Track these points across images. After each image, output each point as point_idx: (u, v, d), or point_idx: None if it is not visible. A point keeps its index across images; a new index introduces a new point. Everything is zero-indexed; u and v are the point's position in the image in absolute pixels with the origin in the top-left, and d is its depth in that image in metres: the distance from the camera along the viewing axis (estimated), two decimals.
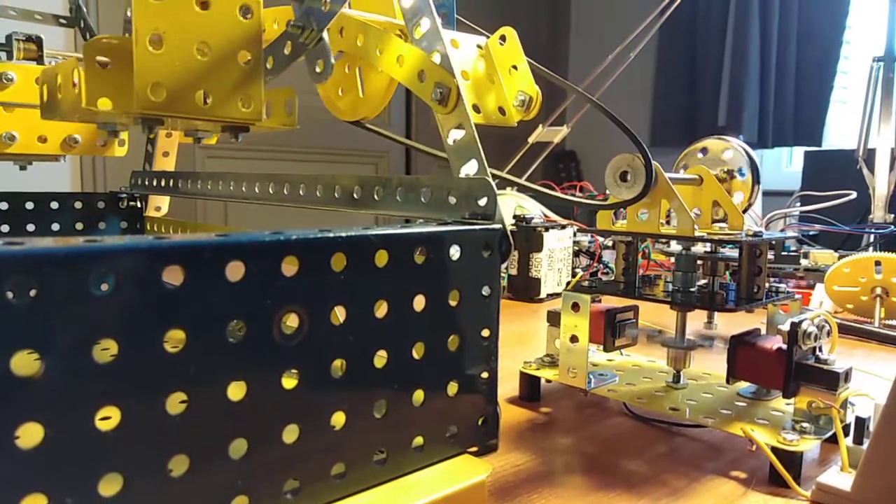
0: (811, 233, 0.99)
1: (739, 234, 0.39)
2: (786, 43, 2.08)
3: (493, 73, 0.35)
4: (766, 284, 0.40)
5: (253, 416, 0.20)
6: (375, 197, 0.32)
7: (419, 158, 2.31)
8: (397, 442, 0.25)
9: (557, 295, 0.80)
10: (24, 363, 0.16)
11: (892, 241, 0.87)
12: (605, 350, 0.43)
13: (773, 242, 0.80)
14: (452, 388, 0.26)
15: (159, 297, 0.18)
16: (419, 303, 0.25)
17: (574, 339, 0.40)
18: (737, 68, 2.12)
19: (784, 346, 0.35)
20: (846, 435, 0.34)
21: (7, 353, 0.16)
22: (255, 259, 0.20)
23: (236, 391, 0.20)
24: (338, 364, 0.23)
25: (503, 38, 0.35)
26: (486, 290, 0.27)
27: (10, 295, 0.16)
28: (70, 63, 0.32)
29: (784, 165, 2.27)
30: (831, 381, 0.34)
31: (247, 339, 0.20)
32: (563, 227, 0.83)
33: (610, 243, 0.88)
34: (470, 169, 0.29)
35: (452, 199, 0.28)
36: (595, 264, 0.89)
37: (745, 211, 0.42)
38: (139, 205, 0.63)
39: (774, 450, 0.33)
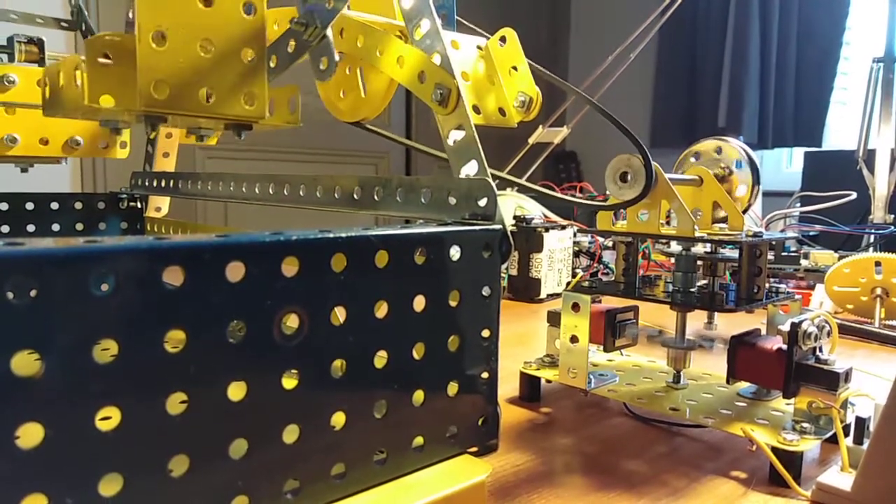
0: (811, 233, 0.99)
1: (739, 234, 0.39)
2: (786, 43, 2.08)
3: (493, 73, 0.35)
4: (766, 285, 0.40)
5: (253, 417, 0.20)
6: (375, 197, 0.32)
7: (419, 159, 2.31)
8: (397, 442, 0.25)
9: (557, 295, 0.80)
10: (25, 363, 0.16)
11: (892, 242, 0.87)
12: (606, 350, 0.43)
13: (773, 243, 0.80)
14: (452, 388, 0.26)
15: (159, 298, 0.18)
16: (419, 303, 0.25)
17: (574, 339, 0.40)
18: (737, 69, 2.12)
19: (784, 347, 0.35)
20: (846, 435, 0.34)
21: (7, 353, 0.16)
22: (256, 259, 0.20)
23: (236, 391, 0.20)
24: (338, 364, 0.23)
25: (503, 38, 0.35)
26: (486, 291, 0.27)
27: (10, 295, 0.16)
28: (73, 60, 0.32)
29: (784, 166, 2.27)
30: (831, 381, 0.34)
31: (247, 339, 0.20)
32: (564, 227, 0.83)
33: (610, 244, 0.88)
34: (470, 169, 0.29)
35: (452, 200, 0.28)
36: (595, 265, 0.89)
37: (744, 211, 0.42)
38: (139, 205, 0.63)
39: (774, 450, 0.33)
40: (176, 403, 0.19)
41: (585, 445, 0.37)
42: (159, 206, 0.64)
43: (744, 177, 0.43)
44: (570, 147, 2.50)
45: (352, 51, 0.34)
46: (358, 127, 0.41)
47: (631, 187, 0.37)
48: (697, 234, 0.38)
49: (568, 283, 0.42)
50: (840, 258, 0.75)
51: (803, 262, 0.82)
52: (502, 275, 0.68)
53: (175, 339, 0.18)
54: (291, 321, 0.21)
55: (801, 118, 2.08)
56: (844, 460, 0.32)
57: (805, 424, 0.34)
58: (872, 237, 0.89)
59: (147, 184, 0.59)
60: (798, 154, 2.06)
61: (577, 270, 0.88)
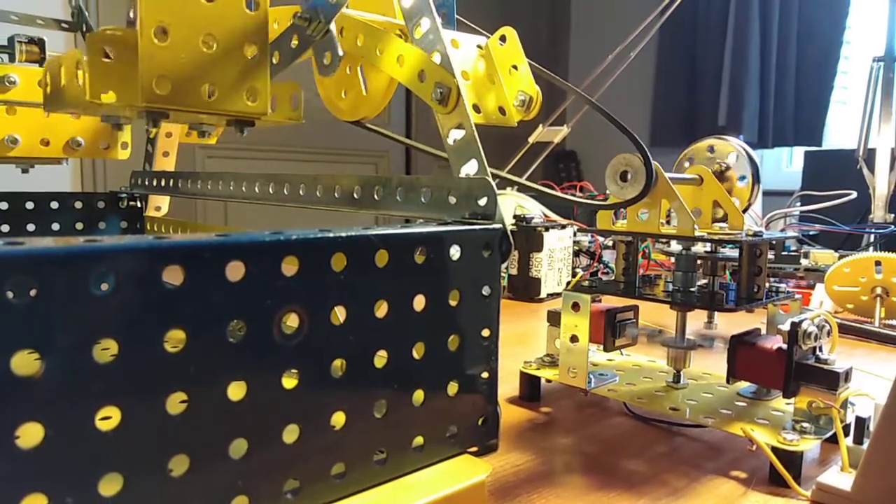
0: (811, 233, 0.99)
1: (739, 233, 0.39)
2: (786, 43, 2.08)
3: (493, 73, 0.35)
4: (767, 284, 0.40)
5: (253, 416, 0.20)
6: (375, 197, 0.32)
7: (419, 158, 2.31)
8: (397, 442, 0.25)
9: (557, 295, 0.80)
10: (25, 363, 0.16)
11: (892, 241, 0.87)
12: (606, 350, 0.43)
13: (774, 242, 0.80)
14: (452, 387, 0.26)
15: (159, 297, 0.18)
16: (419, 303, 0.25)
17: (574, 338, 0.40)
18: (737, 68, 2.12)
19: (784, 346, 0.35)
20: (846, 435, 0.34)
21: (7, 352, 0.16)
22: (255, 259, 0.20)
23: (236, 391, 0.20)
24: (338, 364, 0.23)
25: (503, 38, 0.35)
26: (486, 290, 0.27)
27: (10, 295, 0.16)
28: (74, 54, 0.32)
29: (784, 165, 2.27)
30: (831, 380, 0.34)
31: (247, 339, 0.20)
32: (564, 226, 0.83)
33: (610, 243, 0.88)
34: (470, 169, 0.29)
35: (452, 199, 0.28)
36: (595, 264, 0.89)
37: (744, 211, 0.42)
38: (139, 205, 0.63)
39: (774, 450, 0.33)
40: (176, 403, 0.19)
41: (585, 445, 0.37)
42: (159, 205, 0.64)
43: (741, 170, 0.43)
44: (570, 146, 2.50)
45: (352, 50, 0.34)
46: (358, 126, 0.41)
47: (631, 186, 0.37)
48: (697, 233, 0.38)
49: (568, 283, 0.42)
50: (840, 257, 0.75)
51: (803, 262, 0.82)
52: (502, 274, 0.68)
53: (175, 339, 0.18)
54: (291, 321, 0.21)
55: (801, 117, 2.08)
56: (844, 460, 0.32)
57: (805, 424, 0.34)
58: (872, 236, 0.89)
59: (147, 183, 0.59)
60: (798, 153, 2.06)
61: (577, 270, 0.88)
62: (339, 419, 0.23)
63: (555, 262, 0.82)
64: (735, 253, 0.40)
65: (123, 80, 0.30)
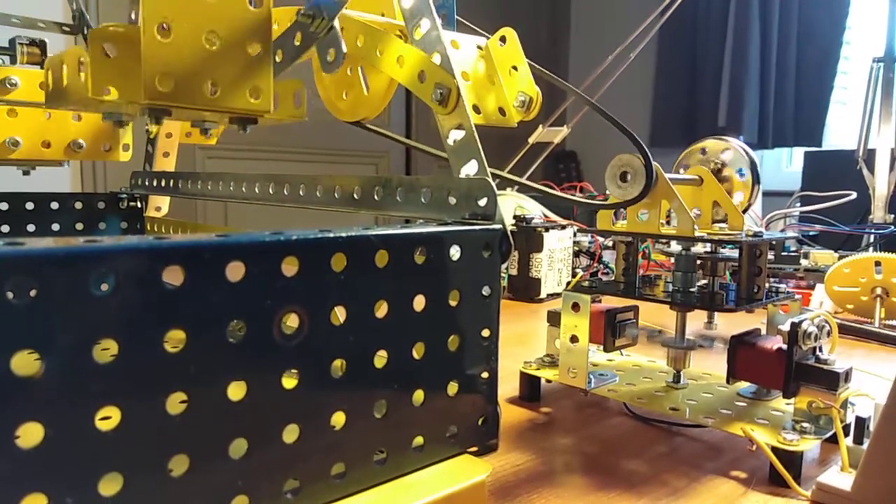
0: (811, 233, 0.99)
1: (739, 234, 0.39)
2: (786, 43, 2.08)
3: (493, 73, 0.35)
4: (766, 285, 0.40)
5: (253, 416, 0.20)
6: (375, 197, 0.32)
7: (419, 159, 2.31)
8: (397, 442, 0.25)
9: (557, 295, 0.80)
10: (25, 363, 0.16)
11: (892, 242, 0.87)
12: (606, 350, 0.43)
13: (773, 243, 0.80)
14: (452, 388, 0.26)
15: (159, 298, 0.18)
16: (419, 303, 0.25)
17: (574, 339, 0.40)
18: (737, 68, 2.12)
19: (784, 347, 0.35)
20: (846, 435, 0.34)
21: (7, 353, 0.16)
22: (256, 259, 0.20)
23: (236, 391, 0.20)
24: (338, 364, 0.23)
25: (503, 38, 0.35)
26: (486, 291, 0.27)
27: (10, 295, 0.16)
28: (76, 51, 0.32)
29: (784, 166, 2.27)
30: (831, 381, 0.34)
31: (247, 339, 0.20)
32: (564, 227, 0.83)
33: (610, 243, 0.88)
34: (470, 169, 0.29)
35: (452, 200, 0.28)
36: (595, 264, 0.89)
37: (744, 211, 0.42)
38: (139, 205, 0.63)
39: (774, 450, 0.33)
40: (176, 403, 0.19)
41: (585, 445, 0.37)
42: (159, 205, 0.64)
43: (743, 182, 0.43)
44: (570, 147, 2.50)
45: (352, 50, 0.34)
46: (358, 127, 0.41)
47: (631, 187, 0.37)
48: (697, 233, 0.38)
49: (568, 283, 0.42)
50: (840, 258, 0.75)
51: (803, 262, 0.82)
52: (502, 274, 0.68)
53: (175, 339, 0.18)
54: (291, 321, 0.21)
55: (801, 118, 2.08)
56: (844, 460, 0.32)
57: (805, 424, 0.34)
58: (872, 237, 0.89)
59: (147, 183, 0.59)
60: (798, 154, 2.06)
61: (577, 270, 0.88)
62: (339, 419, 0.23)
63: (555, 262, 0.82)
64: (735, 253, 0.40)
65: (126, 77, 0.30)
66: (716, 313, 0.44)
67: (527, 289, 0.80)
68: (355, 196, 0.33)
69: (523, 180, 0.38)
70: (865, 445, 0.31)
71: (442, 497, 0.24)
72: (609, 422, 0.41)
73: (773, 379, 0.36)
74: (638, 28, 1.10)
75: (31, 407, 0.16)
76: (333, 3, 0.32)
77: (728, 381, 0.39)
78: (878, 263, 0.66)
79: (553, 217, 0.89)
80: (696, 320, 0.43)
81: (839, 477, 0.31)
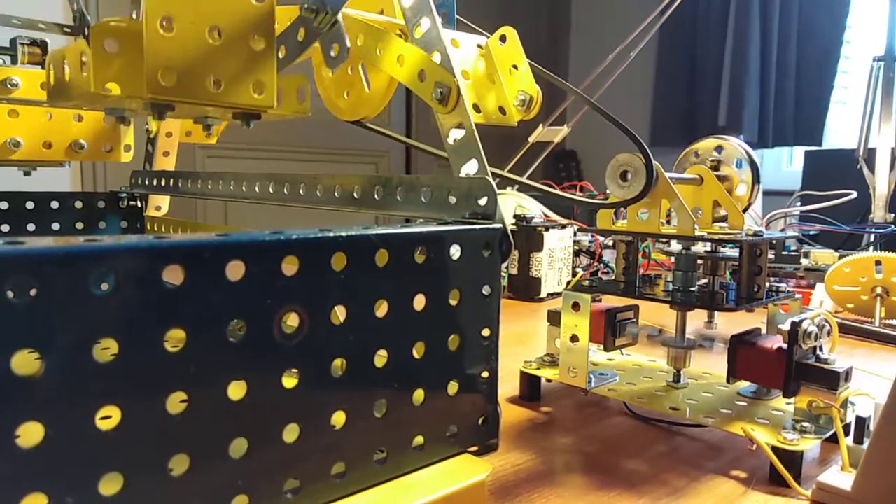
0: (811, 232, 0.99)
1: (740, 233, 0.39)
2: (786, 43, 2.08)
3: (493, 72, 0.35)
4: (767, 284, 0.40)
5: (253, 416, 0.20)
6: (375, 196, 0.32)
7: (419, 158, 2.31)
8: (397, 441, 0.25)
9: (558, 294, 0.80)
10: (25, 363, 0.16)
11: (892, 241, 0.87)
12: (606, 349, 0.43)
13: (774, 242, 0.80)
14: (453, 387, 0.26)
15: (159, 297, 0.18)
16: (419, 302, 0.25)
17: (574, 338, 0.40)
18: (737, 68, 2.12)
19: (784, 346, 0.35)
20: (846, 434, 0.34)
21: (7, 352, 0.16)
22: (256, 259, 0.20)
23: (236, 391, 0.20)
24: (338, 363, 0.23)
25: (503, 37, 0.35)
26: (486, 290, 0.27)
27: (10, 294, 0.16)
28: (78, 46, 0.32)
29: (784, 165, 2.27)
30: (831, 380, 0.34)
31: (247, 338, 0.20)
32: (564, 226, 0.83)
33: (610, 243, 0.88)
34: (470, 168, 0.29)
35: (453, 199, 0.28)
36: (595, 264, 0.89)
37: (745, 210, 0.42)
38: (139, 204, 0.63)
39: (775, 449, 0.33)
40: (176, 403, 0.19)
41: (585, 445, 0.37)
42: (159, 205, 0.64)
43: (740, 174, 0.43)
44: (571, 146, 2.50)
45: (352, 49, 0.34)
46: (358, 126, 0.41)
47: (631, 186, 0.37)
48: (698, 233, 0.38)
49: (568, 283, 0.42)
50: (840, 257, 0.75)
51: (803, 262, 0.82)
52: (502, 274, 0.68)
53: (175, 339, 0.18)
54: (291, 320, 0.21)
55: (801, 117, 2.08)
56: (845, 460, 0.32)
57: (805, 424, 0.34)
58: (873, 236, 0.89)
59: (147, 183, 0.59)
60: (798, 153, 2.06)
61: (578, 269, 0.88)
62: (339, 419, 0.23)
63: (555, 261, 0.82)
64: (735, 252, 0.40)
65: (128, 72, 0.30)
66: (716, 312, 0.44)
67: (527, 288, 0.80)
68: (355, 195, 0.33)
69: (523, 179, 0.38)
70: (865, 445, 0.31)
71: (442, 497, 0.24)
72: (609, 421, 0.41)
73: (774, 378, 0.36)
74: (638, 28, 1.10)
75: (31, 406, 0.16)
76: None
77: (728, 381, 0.39)
78: (878, 263, 0.66)
79: (553, 216, 0.89)
80: (696, 320, 0.43)
81: (839, 476, 0.31)
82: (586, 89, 0.99)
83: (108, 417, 0.17)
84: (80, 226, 0.59)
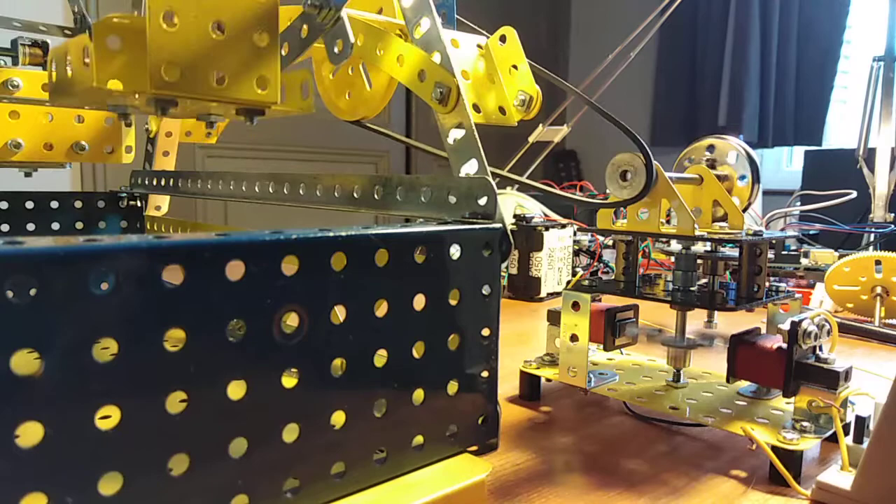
0: (811, 232, 0.99)
1: (739, 233, 0.39)
2: (786, 43, 2.08)
3: (493, 72, 0.35)
4: (767, 283, 0.40)
5: (253, 416, 0.20)
6: (375, 196, 0.32)
7: (419, 158, 2.31)
8: (397, 441, 0.25)
9: (558, 294, 0.80)
10: (24, 362, 0.16)
11: (892, 241, 0.87)
12: (606, 349, 0.43)
13: (774, 242, 0.80)
14: (452, 387, 0.26)
15: (159, 297, 0.18)
16: (419, 302, 0.25)
17: (574, 338, 0.40)
18: (737, 68, 2.12)
19: (784, 346, 0.35)
20: (846, 434, 0.34)
21: (7, 352, 0.16)
22: (255, 258, 0.20)
23: (236, 390, 0.20)
24: (338, 363, 0.23)
25: (503, 37, 0.35)
26: (486, 290, 0.27)
27: (10, 294, 0.16)
28: (80, 41, 0.31)
29: (784, 165, 2.27)
30: (831, 380, 0.34)
31: (247, 338, 0.20)
32: (564, 226, 0.83)
33: (610, 242, 0.88)
34: (470, 168, 0.29)
35: (452, 199, 0.28)
36: (595, 263, 0.89)
37: (745, 210, 0.42)
38: (139, 204, 0.63)
39: (774, 449, 0.33)
40: (176, 402, 0.19)
41: (585, 444, 0.37)
42: (159, 204, 0.64)
43: (741, 170, 0.43)
44: (570, 146, 2.50)
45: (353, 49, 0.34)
46: (358, 126, 0.41)
47: (631, 186, 0.37)
48: (697, 232, 0.38)
49: (568, 282, 0.42)
50: (840, 257, 0.75)
51: (803, 261, 0.82)
52: (502, 273, 0.68)
53: (175, 338, 0.18)
54: (291, 320, 0.21)
55: (801, 117, 2.08)
56: (844, 459, 0.32)
57: (805, 423, 0.34)
58: (872, 236, 0.89)
59: (147, 182, 0.59)
60: (798, 153, 2.06)
61: (577, 269, 0.88)
62: (339, 418, 0.23)
63: (555, 261, 0.82)
64: (735, 252, 0.40)
65: (131, 67, 0.29)
66: (716, 312, 0.44)
67: (527, 288, 0.80)
68: (355, 195, 0.33)
69: (523, 179, 0.38)
70: (865, 444, 0.31)
71: (442, 496, 0.24)
72: (609, 421, 0.41)
73: (773, 378, 0.36)
74: (638, 28, 1.10)
75: (30, 406, 0.16)
76: None
77: (728, 380, 0.39)
78: (878, 262, 0.66)
79: (553, 216, 0.89)
80: (696, 319, 0.43)
81: (839, 476, 0.31)
82: (586, 89, 0.99)
83: (108, 417, 0.18)
84: (79, 225, 0.59)
